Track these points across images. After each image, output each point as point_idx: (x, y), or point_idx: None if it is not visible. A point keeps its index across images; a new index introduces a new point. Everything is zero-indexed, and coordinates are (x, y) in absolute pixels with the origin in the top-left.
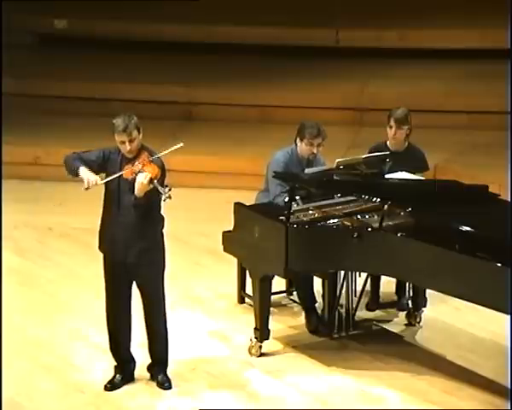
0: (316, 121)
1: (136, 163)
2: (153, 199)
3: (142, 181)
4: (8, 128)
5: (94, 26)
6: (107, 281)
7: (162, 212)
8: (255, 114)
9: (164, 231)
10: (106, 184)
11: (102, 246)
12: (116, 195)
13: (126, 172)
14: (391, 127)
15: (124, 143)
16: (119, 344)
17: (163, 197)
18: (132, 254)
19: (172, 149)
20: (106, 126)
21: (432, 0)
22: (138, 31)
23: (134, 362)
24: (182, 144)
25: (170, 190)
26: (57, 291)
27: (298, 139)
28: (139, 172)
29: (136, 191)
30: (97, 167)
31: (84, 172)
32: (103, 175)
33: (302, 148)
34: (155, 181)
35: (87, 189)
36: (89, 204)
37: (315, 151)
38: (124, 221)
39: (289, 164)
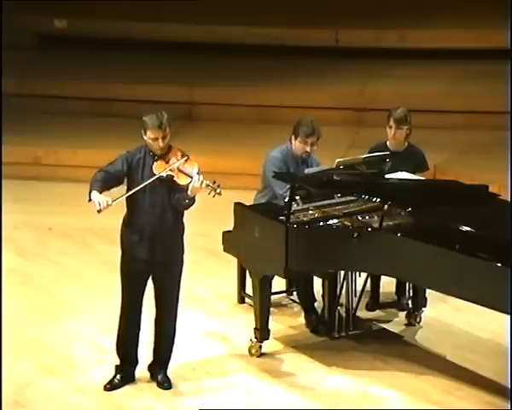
0: (312, 119)
1: (173, 159)
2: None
3: (198, 186)
4: (8, 128)
5: (94, 26)
6: (125, 278)
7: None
8: (255, 114)
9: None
10: (130, 183)
11: (125, 242)
12: (141, 192)
13: (160, 171)
14: (390, 127)
15: (157, 139)
16: (127, 343)
17: (212, 193)
18: (158, 252)
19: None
20: (106, 126)
21: (431, 0)
22: (138, 31)
23: (136, 364)
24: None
25: (219, 185)
26: (57, 291)
27: (293, 137)
28: (179, 169)
29: (190, 192)
30: (126, 174)
31: (94, 196)
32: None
33: (296, 146)
34: (207, 181)
35: (99, 211)
36: (89, 204)
37: (308, 150)
38: (151, 218)
39: (287, 160)
